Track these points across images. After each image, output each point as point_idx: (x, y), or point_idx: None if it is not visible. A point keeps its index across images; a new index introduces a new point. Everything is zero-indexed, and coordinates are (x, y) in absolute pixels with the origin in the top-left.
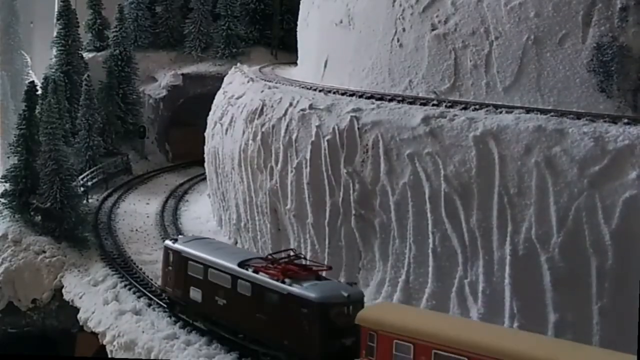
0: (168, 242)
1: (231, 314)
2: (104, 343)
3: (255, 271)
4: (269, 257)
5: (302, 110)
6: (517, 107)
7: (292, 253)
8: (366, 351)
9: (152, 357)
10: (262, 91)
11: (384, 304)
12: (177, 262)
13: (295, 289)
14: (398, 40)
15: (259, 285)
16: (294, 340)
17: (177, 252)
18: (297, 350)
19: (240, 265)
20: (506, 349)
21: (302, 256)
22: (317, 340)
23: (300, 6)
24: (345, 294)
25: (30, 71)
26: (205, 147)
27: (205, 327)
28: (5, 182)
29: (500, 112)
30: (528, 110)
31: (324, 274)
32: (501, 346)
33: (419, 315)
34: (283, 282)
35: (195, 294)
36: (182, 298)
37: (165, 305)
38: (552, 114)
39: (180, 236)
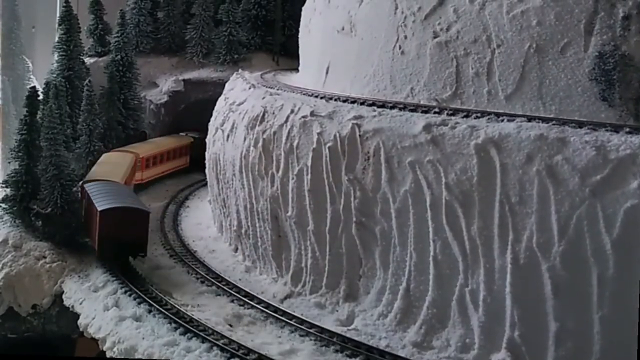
0: None
1: None
2: (104, 349)
3: None
4: None
5: (303, 117)
6: (518, 116)
7: None
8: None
9: None
10: (264, 98)
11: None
12: None
13: None
14: (400, 48)
15: None
16: None
17: None
18: None
19: None
20: None
21: None
22: None
23: (302, 12)
24: None
25: (32, 76)
26: (206, 154)
27: None
28: (6, 187)
29: (502, 120)
30: (530, 119)
31: None
32: None
33: None
34: None
35: None
36: None
37: None
38: (553, 122)
39: None
